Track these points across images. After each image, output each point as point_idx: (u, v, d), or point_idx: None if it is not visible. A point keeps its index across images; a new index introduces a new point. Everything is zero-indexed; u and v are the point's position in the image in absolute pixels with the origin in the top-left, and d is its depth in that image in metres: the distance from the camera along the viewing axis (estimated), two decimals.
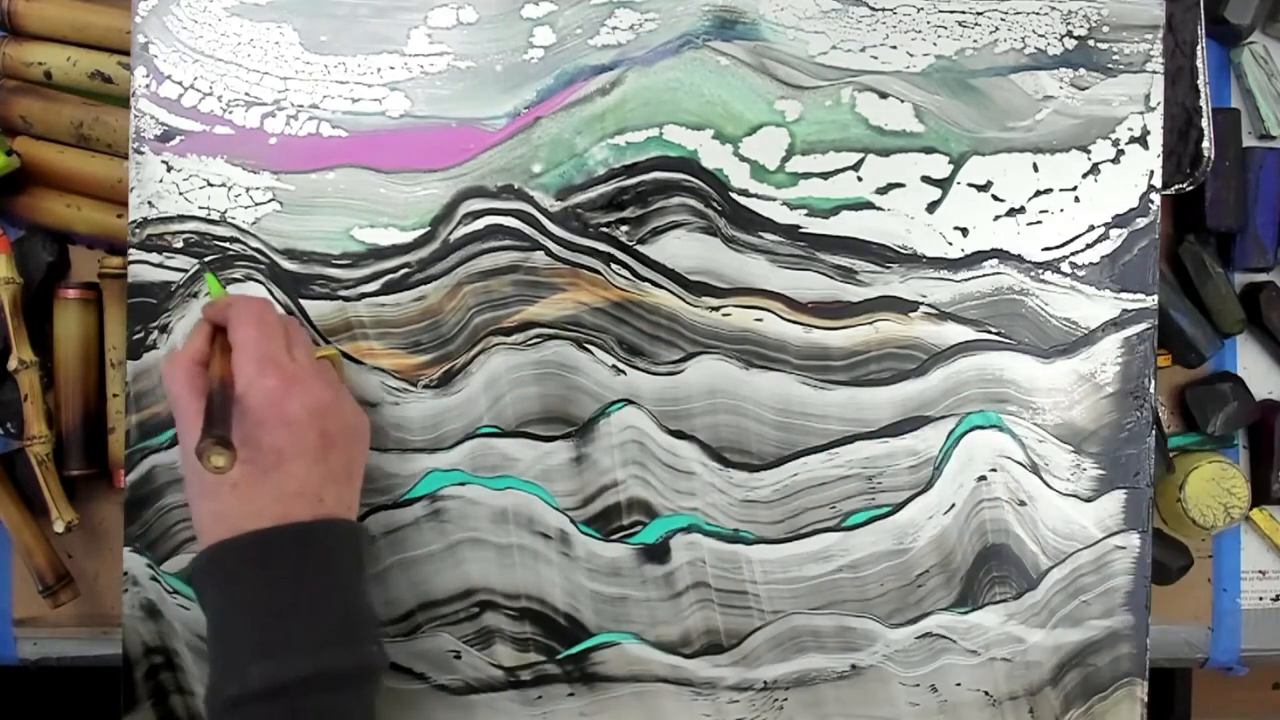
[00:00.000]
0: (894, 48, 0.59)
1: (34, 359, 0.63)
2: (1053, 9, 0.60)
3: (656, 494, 0.59)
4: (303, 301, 0.58)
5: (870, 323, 0.59)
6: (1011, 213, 0.60)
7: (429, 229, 0.58)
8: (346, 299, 0.58)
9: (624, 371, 0.58)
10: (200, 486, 0.49)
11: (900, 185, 0.59)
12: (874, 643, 0.59)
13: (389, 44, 0.58)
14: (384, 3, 0.58)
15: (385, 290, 0.58)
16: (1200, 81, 0.66)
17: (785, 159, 0.59)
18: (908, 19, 0.59)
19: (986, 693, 0.60)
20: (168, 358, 0.56)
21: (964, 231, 0.60)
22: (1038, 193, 0.60)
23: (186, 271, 0.58)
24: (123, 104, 0.61)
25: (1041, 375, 0.60)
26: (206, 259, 0.58)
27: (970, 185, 0.60)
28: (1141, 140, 0.60)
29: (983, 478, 0.60)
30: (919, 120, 0.59)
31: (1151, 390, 0.60)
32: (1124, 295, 0.60)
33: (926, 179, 0.59)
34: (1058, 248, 0.60)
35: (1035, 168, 0.60)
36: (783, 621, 0.59)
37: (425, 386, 0.58)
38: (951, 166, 0.59)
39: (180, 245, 0.58)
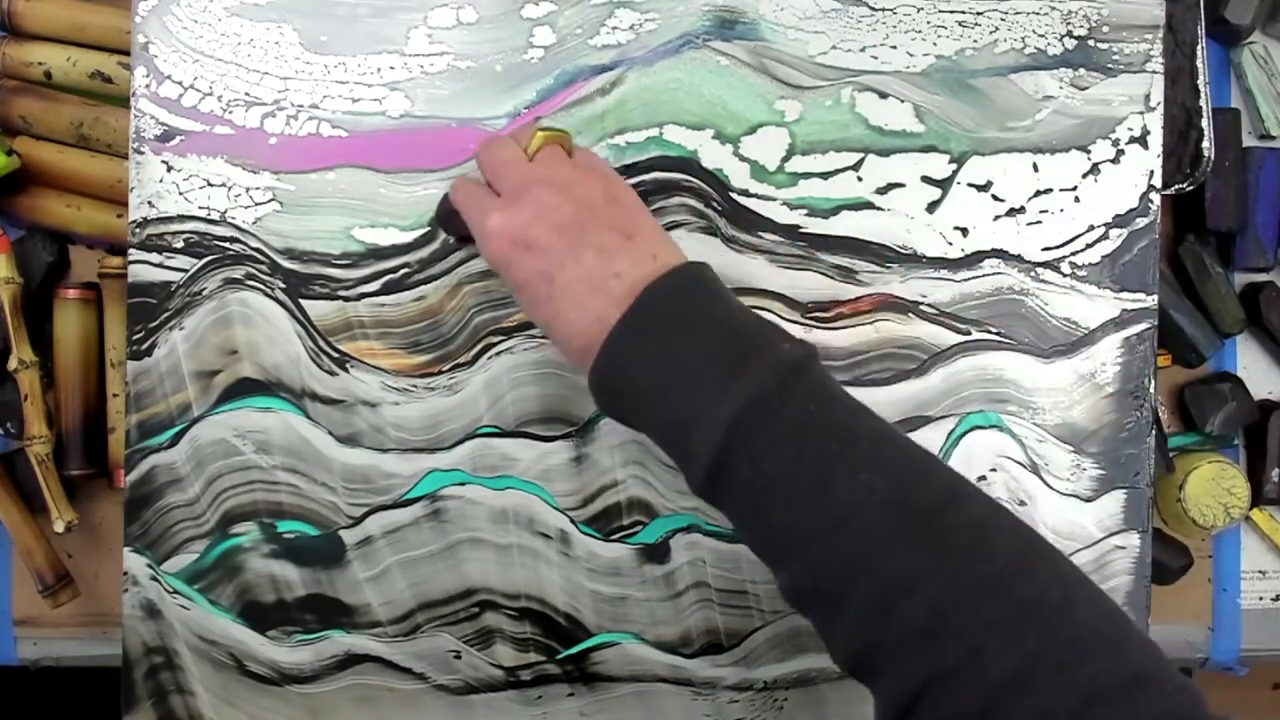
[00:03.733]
0: (894, 48, 0.59)
1: (34, 359, 0.63)
2: (1053, 9, 0.60)
3: (656, 494, 0.59)
4: (303, 301, 0.58)
5: (870, 323, 0.59)
6: (1011, 213, 0.60)
7: (429, 229, 0.58)
8: (346, 299, 0.58)
9: None
10: (534, 301, 0.48)
11: (900, 185, 0.59)
12: None
13: (389, 44, 0.58)
14: (384, 3, 0.58)
15: (385, 290, 0.58)
16: (1200, 81, 0.66)
17: (785, 159, 0.59)
18: (908, 19, 0.59)
19: None
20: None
21: (964, 231, 0.60)
22: (1038, 193, 0.60)
23: (186, 271, 0.58)
24: (123, 104, 0.61)
25: (1041, 375, 0.60)
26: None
27: (970, 185, 0.60)
28: (1141, 140, 0.60)
29: (983, 478, 0.60)
30: (919, 120, 0.59)
31: (1151, 390, 0.60)
32: (1124, 295, 0.60)
33: (926, 179, 0.59)
34: (1058, 248, 0.60)
35: (1035, 168, 0.60)
36: (783, 621, 0.59)
37: (425, 387, 0.58)
38: (952, 166, 0.59)
39: (180, 245, 0.58)
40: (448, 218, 0.56)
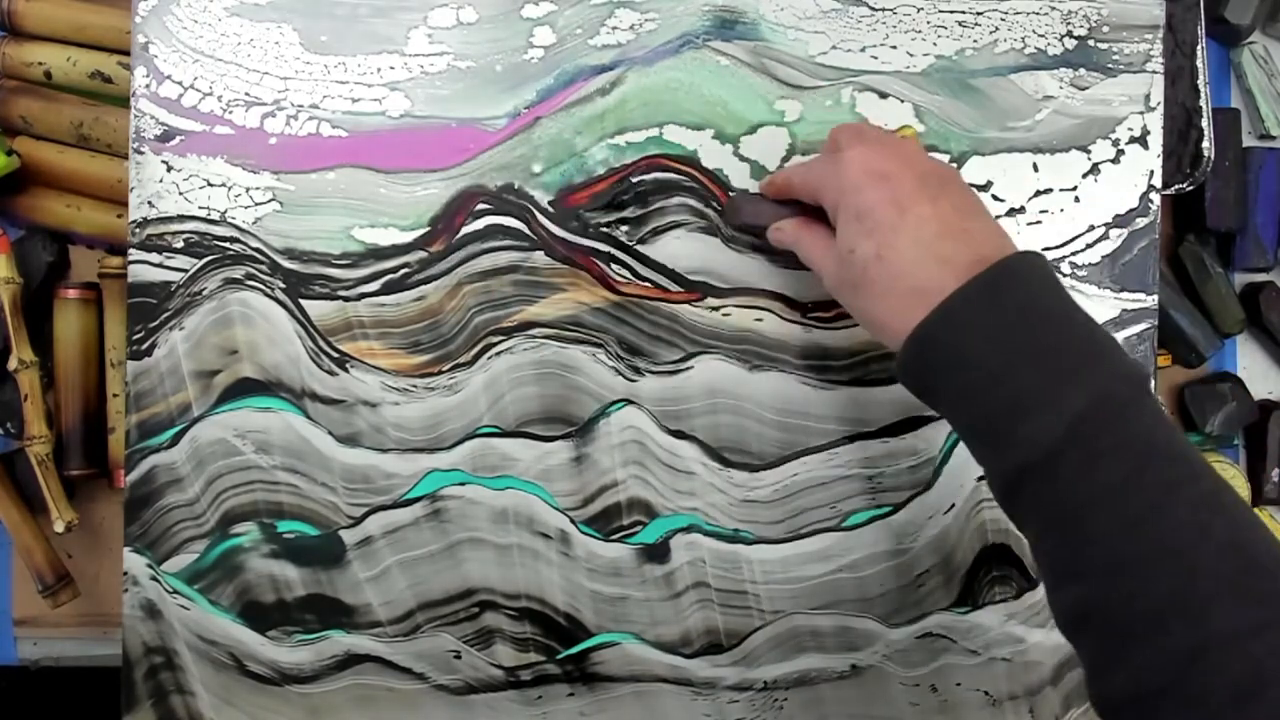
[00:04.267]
0: (894, 48, 0.59)
1: (34, 359, 0.63)
2: (1053, 9, 0.60)
3: (656, 494, 0.59)
4: (303, 301, 0.58)
5: None
6: (1011, 213, 0.60)
7: (429, 229, 0.58)
8: (346, 299, 0.58)
9: (636, 378, 0.58)
10: (848, 284, 0.48)
11: None
12: (874, 643, 0.59)
13: (389, 44, 0.58)
14: (384, 3, 0.58)
15: (385, 290, 0.58)
16: (1200, 81, 0.66)
17: (785, 159, 0.59)
18: (908, 19, 0.59)
19: (986, 693, 0.60)
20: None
21: None
22: (1038, 193, 0.60)
23: (186, 271, 0.58)
24: (123, 104, 0.61)
25: None
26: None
27: (970, 185, 0.60)
28: (1141, 140, 0.60)
29: (983, 477, 0.59)
30: (919, 120, 0.59)
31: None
32: (1124, 295, 0.60)
33: None
34: (1058, 248, 0.60)
35: (1035, 168, 0.60)
36: (783, 621, 0.59)
37: (425, 387, 0.58)
38: (952, 166, 0.59)
39: (180, 245, 0.58)
40: (738, 207, 0.57)
